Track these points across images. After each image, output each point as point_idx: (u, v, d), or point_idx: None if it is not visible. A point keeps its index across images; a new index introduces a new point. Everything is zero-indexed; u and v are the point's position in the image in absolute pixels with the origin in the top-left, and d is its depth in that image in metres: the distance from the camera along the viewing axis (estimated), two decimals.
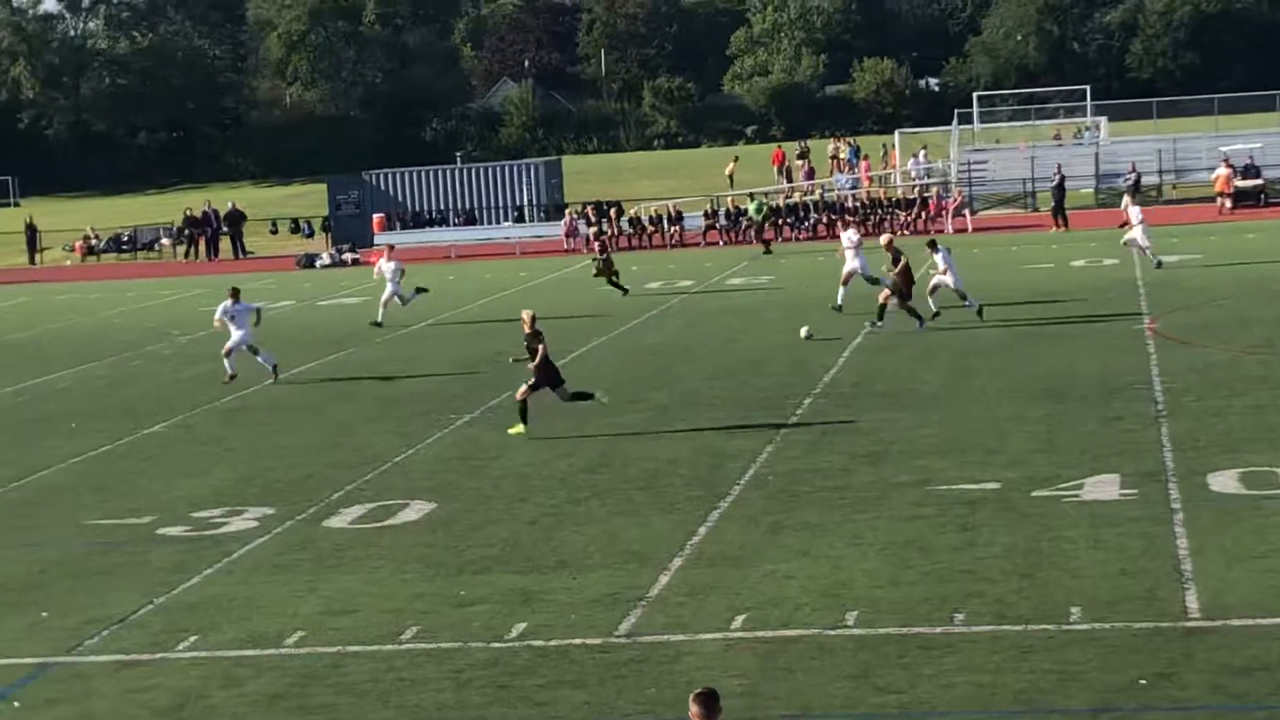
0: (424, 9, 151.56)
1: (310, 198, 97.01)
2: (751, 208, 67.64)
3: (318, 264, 70.70)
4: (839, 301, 42.25)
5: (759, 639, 17.26)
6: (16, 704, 16.67)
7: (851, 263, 42.86)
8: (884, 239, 40.43)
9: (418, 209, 79.25)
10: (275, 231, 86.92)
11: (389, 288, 45.84)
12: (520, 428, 28.71)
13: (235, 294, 37.14)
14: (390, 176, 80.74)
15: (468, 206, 78.72)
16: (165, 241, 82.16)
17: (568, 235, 70.77)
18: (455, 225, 77.56)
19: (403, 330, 45.20)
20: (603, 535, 21.72)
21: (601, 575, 19.85)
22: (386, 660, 17.25)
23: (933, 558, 19.78)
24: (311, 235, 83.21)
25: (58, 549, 22.87)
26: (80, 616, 19.42)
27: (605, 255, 50.96)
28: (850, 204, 71.03)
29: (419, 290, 46.13)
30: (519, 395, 28.97)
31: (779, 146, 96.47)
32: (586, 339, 40.75)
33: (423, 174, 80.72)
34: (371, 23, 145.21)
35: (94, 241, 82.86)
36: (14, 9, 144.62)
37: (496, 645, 17.51)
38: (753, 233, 66.78)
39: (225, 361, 36.61)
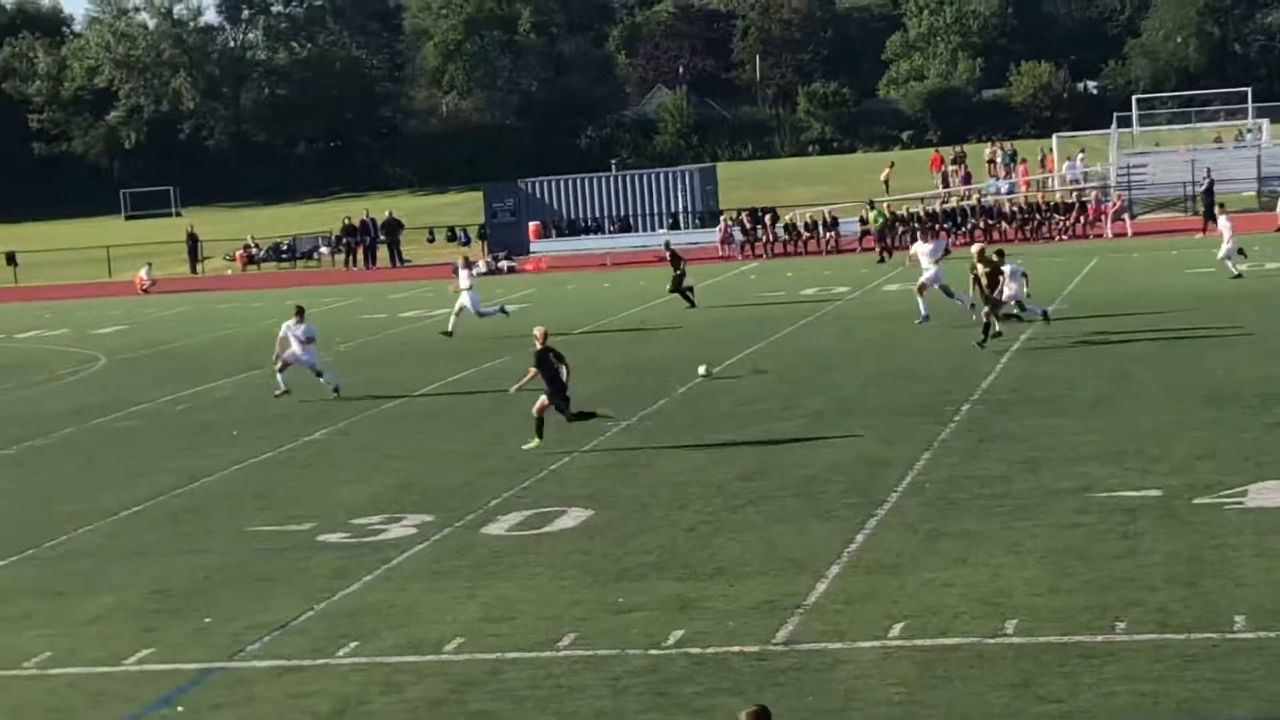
0: (579, 17, 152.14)
1: (466, 206, 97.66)
2: (871, 216, 67.25)
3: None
4: (924, 312, 41.78)
5: (917, 647, 17.14)
6: (180, 709, 16.88)
7: (927, 272, 42.29)
8: (975, 248, 39.59)
9: (573, 216, 79.54)
10: (432, 240, 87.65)
11: (465, 297, 46.29)
12: (535, 442, 28.78)
13: (300, 313, 37.15)
14: (546, 184, 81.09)
15: (622, 213, 78.90)
16: (324, 250, 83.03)
17: (723, 242, 70.81)
18: (610, 232, 77.77)
19: (559, 337, 45.30)
20: (760, 542, 21.66)
21: (759, 583, 19.80)
22: (545, 667, 17.30)
23: (1093, 566, 19.55)
24: (468, 243, 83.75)
25: (220, 555, 23.13)
26: (242, 622, 19.63)
27: (679, 267, 50.58)
28: (1008, 208, 70.53)
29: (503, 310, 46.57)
30: (536, 408, 29.09)
31: (936, 151, 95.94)
32: (742, 345, 40.71)
33: (578, 181, 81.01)
34: (527, 31, 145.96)
35: (254, 250, 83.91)
36: (175, 21, 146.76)
37: (654, 652, 17.51)
38: (874, 241, 66.17)
39: (279, 377, 36.77)
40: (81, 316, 63.31)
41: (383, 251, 79.25)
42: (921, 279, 42.35)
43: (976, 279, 37.86)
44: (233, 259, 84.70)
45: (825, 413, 30.96)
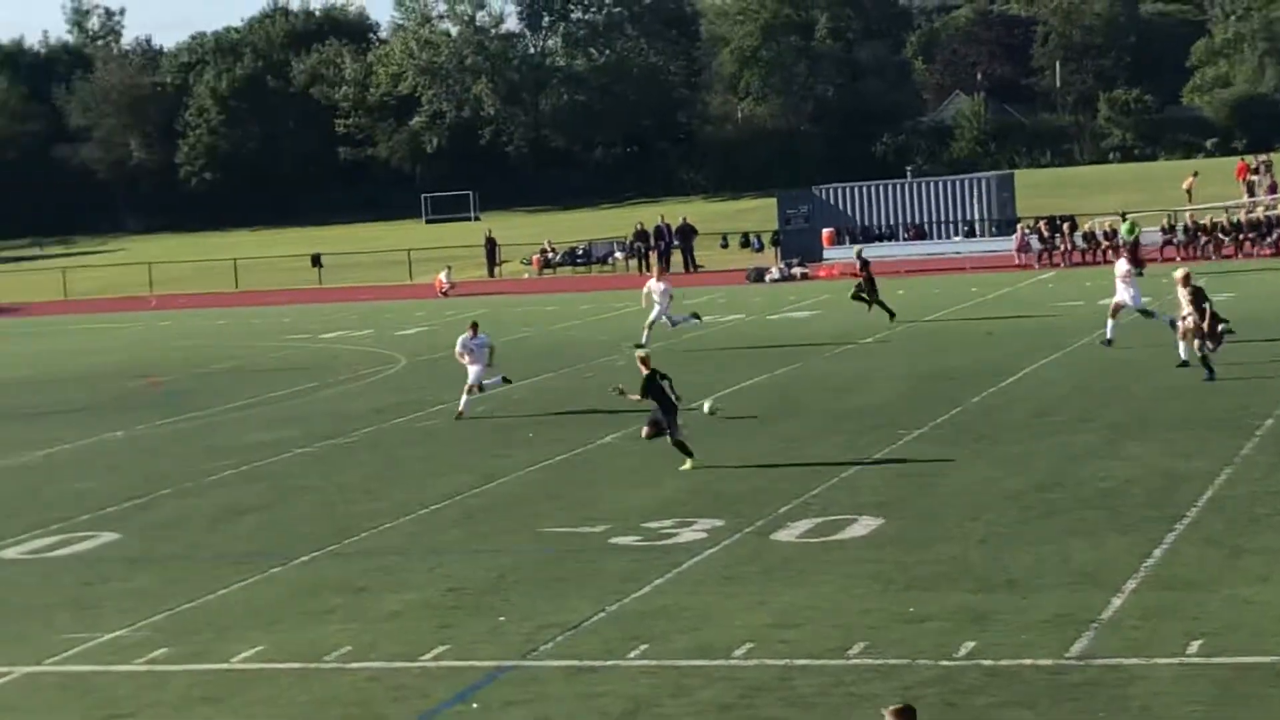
0: (876, 23, 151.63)
1: (760, 212, 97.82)
2: (1124, 229, 65.85)
3: (767, 278, 71.20)
4: (1109, 335, 40.53)
5: (1216, 665, 16.78)
6: (475, 705, 17.14)
7: (1121, 294, 40.98)
8: (1179, 273, 38.02)
9: (867, 223, 79.23)
10: (725, 245, 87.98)
11: (655, 309, 46.09)
12: (689, 463, 28.69)
13: (474, 327, 37.16)
14: (839, 191, 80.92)
15: (917, 221, 78.42)
16: (619, 255, 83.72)
17: (1019, 250, 70.02)
18: (904, 240, 77.33)
19: (851, 345, 45.26)
20: (1054, 555, 21.37)
21: (1053, 595, 19.54)
22: (834, 675, 17.25)
23: None
24: (761, 249, 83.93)
25: (515, 555, 23.44)
26: (536, 622, 19.85)
27: (866, 274, 49.95)
28: None
29: (694, 316, 47.31)
30: (645, 433, 29.16)
31: (1242, 159, 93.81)
32: (1037, 355, 40.23)
33: (872, 188, 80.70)
34: (824, 37, 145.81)
35: (550, 255, 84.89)
36: (477, 28, 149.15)
37: (945, 663, 17.37)
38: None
39: (470, 392, 36.55)
40: (384, 318, 64.61)
41: (676, 257, 79.70)
42: (1115, 299, 41.10)
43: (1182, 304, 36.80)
44: (529, 263, 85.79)
45: (1122, 424, 30.47)
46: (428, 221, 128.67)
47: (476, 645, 19.12)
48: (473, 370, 36.58)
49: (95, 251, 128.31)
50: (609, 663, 18.16)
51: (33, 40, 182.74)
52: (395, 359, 49.33)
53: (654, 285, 46.90)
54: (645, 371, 28.95)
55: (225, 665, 18.95)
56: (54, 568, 24.45)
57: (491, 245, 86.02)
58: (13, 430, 39.42)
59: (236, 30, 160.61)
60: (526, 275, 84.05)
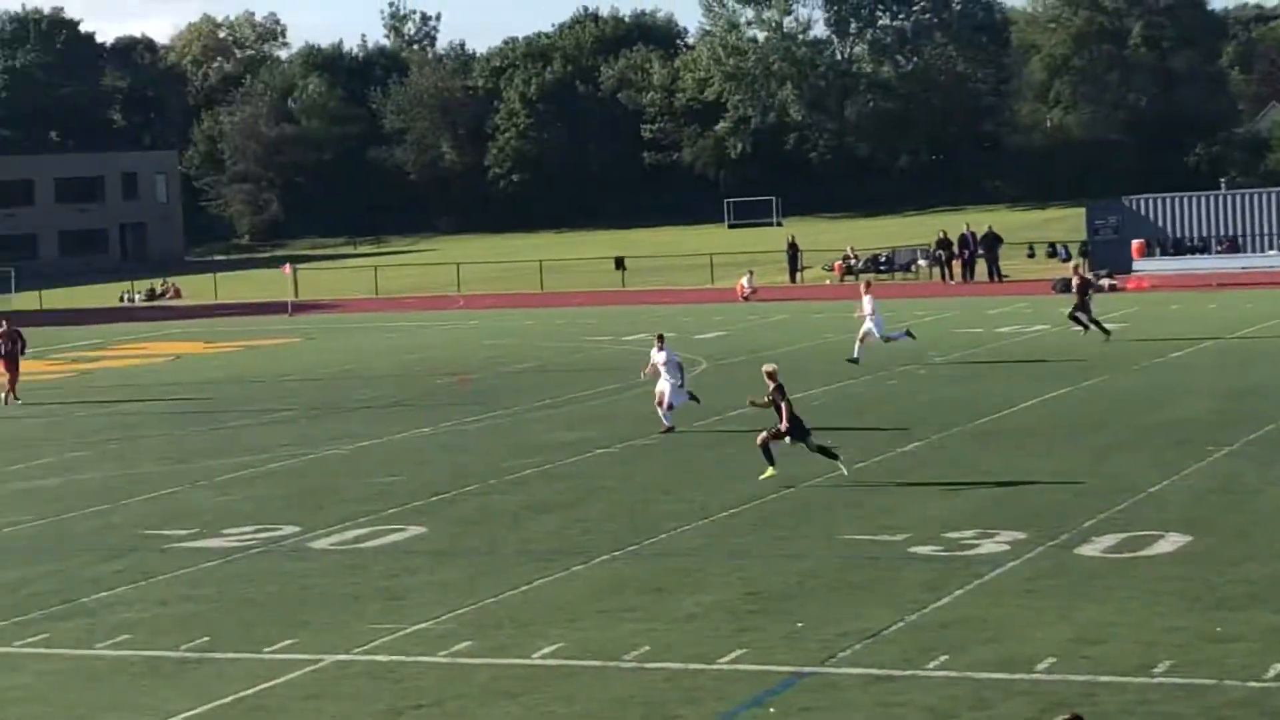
0: (1191, 32, 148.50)
1: (1068, 222, 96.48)
2: None
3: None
4: None
5: None
6: (772, 710, 17.16)
7: None
8: None
9: (1178, 235, 77.69)
10: (1032, 255, 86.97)
11: (867, 323, 45.25)
12: (770, 471, 28.79)
13: (660, 340, 36.79)
14: (1150, 202, 79.43)
15: (1231, 234, 76.70)
16: (922, 263, 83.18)
17: None
18: (1217, 252, 75.71)
19: (1159, 359, 44.45)
20: None
21: None
22: (1138, 692, 16.96)
23: None
24: (1068, 259, 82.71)
25: (814, 560, 23.42)
26: (834, 629, 19.82)
27: (1084, 293, 48.43)
28: None
29: (908, 334, 46.53)
30: (760, 439, 29.18)
31: None
32: None
33: (1184, 200, 79.08)
34: (1137, 46, 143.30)
35: (852, 261, 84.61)
36: (784, 34, 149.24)
37: (1254, 684, 16.98)
38: None
39: (659, 413, 36.14)
40: (684, 321, 64.90)
41: (981, 265, 78.96)
42: None
43: None
44: (831, 269, 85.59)
45: None
46: (730, 226, 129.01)
47: (774, 650, 19.15)
48: (668, 388, 36.22)
49: (405, 251, 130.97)
50: (908, 672, 18.06)
51: (351, 44, 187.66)
52: (696, 361, 49.54)
53: (865, 301, 46.43)
54: (772, 385, 29.39)
55: (526, 660, 19.21)
56: (363, 559, 25.02)
57: (794, 251, 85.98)
58: (328, 423, 40.42)
59: (547, 35, 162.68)
60: (828, 281, 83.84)
